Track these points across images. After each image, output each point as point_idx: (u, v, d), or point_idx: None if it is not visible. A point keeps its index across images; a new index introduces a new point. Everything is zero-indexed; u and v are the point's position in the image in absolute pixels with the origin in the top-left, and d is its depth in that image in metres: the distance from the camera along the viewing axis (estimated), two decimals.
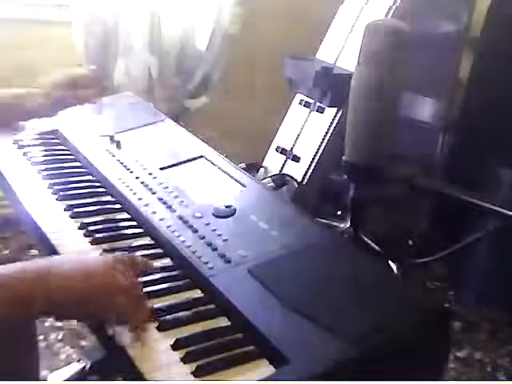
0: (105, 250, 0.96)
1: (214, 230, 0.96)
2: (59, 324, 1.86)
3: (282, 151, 2.05)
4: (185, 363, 0.75)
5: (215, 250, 0.92)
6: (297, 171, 1.98)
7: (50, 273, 0.76)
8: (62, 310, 0.76)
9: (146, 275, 0.89)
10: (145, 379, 0.73)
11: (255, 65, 2.35)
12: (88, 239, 0.99)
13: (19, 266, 0.75)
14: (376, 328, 0.76)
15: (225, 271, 0.88)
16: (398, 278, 1.44)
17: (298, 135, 2.03)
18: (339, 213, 1.77)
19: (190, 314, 0.83)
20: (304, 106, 2.03)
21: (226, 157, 1.20)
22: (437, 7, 2.05)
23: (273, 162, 2.07)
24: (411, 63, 1.37)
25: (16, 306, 0.72)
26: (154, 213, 1.03)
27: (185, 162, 1.20)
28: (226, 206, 1.01)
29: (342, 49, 2.02)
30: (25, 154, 1.25)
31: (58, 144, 1.32)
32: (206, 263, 0.89)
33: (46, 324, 1.86)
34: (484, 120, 2.06)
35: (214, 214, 1.01)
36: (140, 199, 1.07)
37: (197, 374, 0.73)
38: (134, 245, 0.98)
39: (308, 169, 1.97)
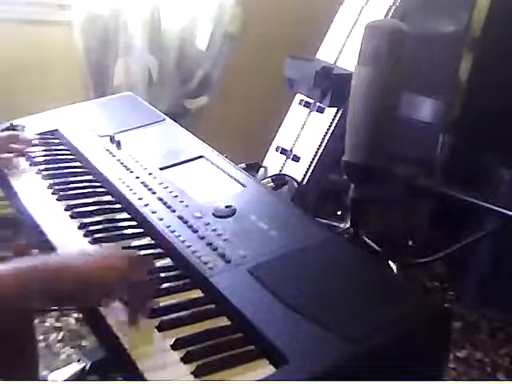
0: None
1: (214, 230, 0.96)
2: (59, 324, 1.86)
3: (282, 151, 2.05)
4: (185, 363, 0.75)
5: (215, 250, 0.92)
6: (297, 171, 1.98)
7: (49, 261, 0.77)
8: (63, 294, 0.77)
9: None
10: (145, 379, 0.73)
11: (255, 65, 2.35)
12: (88, 239, 0.99)
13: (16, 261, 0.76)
14: (376, 328, 0.76)
15: (225, 271, 0.88)
16: (398, 277, 1.44)
17: (298, 135, 2.03)
18: (339, 213, 1.77)
19: (189, 313, 0.83)
20: (304, 106, 2.03)
21: (225, 157, 1.20)
22: (437, 7, 2.05)
23: (273, 162, 2.07)
24: (411, 63, 1.37)
25: (18, 295, 0.73)
26: (154, 213, 1.03)
27: (185, 161, 1.20)
28: (226, 206, 1.01)
29: (342, 49, 2.01)
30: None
31: (58, 144, 1.32)
32: (206, 263, 0.89)
33: (46, 324, 1.86)
34: (484, 120, 2.05)
35: (214, 214, 1.01)
36: (140, 199, 1.07)
37: (197, 373, 0.73)
38: (133, 245, 0.98)
39: (308, 169, 1.97)
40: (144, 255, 0.88)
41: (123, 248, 0.96)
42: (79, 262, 0.78)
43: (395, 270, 1.60)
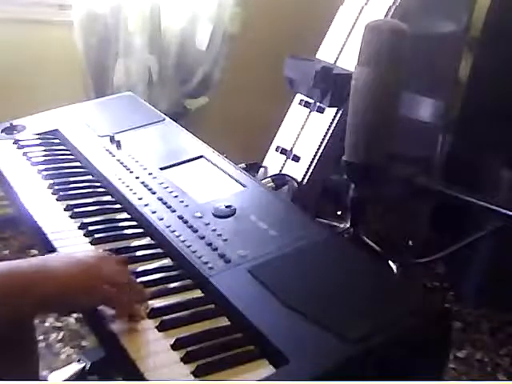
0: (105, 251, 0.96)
1: (214, 230, 0.96)
2: (59, 324, 1.86)
3: (282, 151, 2.05)
4: (185, 363, 0.75)
5: (215, 250, 0.92)
6: (297, 171, 1.98)
7: (38, 269, 0.76)
8: (52, 303, 0.77)
9: (146, 275, 0.90)
10: (145, 379, 0.73)
11: (255, 65, 2.35)
12: (88, 239, 0.99)
13: (6, 266, 0.75)
14: (376, 328, 0.76)
15: (225, 271, 0.88)
16: (398, 277, 1.44)
17: (298, 135, 2.03)
18: (339, 213, 1.77)
19: (189, 313, 0.83)
20: (304, 106, 2.03)
21: (225, 157, 1.20)
22: (437, 7, 2.05)
23: (273, 162, 2.07)
24: (411, 63, 1.37)
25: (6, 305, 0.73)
26: (154, 213, 1.03)
27: (185, 162, 1.20)
28: (226, 206, 1.01)
29: (342, 49, 2.01)
30: (25, 153, 1.26)
31: (58, 144, 1.32)
32: (206, 263, 0.89)
33: (46, 324, 1.86)
34: (484, 120, 2.05)
35: (214, 214, 1.01)
36: (140, 199, 1.07)
37: (197, 373, 0.73)
38: (133, 245, 0.98)
39: (308, 169, 1.97)
40: (121, 258, 0.88)
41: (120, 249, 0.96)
42: (58, 266, 0.77)
43: (395, 270, 1.59)
